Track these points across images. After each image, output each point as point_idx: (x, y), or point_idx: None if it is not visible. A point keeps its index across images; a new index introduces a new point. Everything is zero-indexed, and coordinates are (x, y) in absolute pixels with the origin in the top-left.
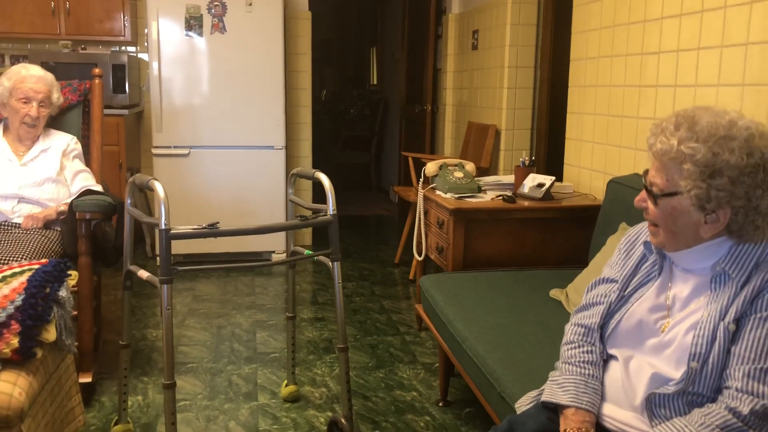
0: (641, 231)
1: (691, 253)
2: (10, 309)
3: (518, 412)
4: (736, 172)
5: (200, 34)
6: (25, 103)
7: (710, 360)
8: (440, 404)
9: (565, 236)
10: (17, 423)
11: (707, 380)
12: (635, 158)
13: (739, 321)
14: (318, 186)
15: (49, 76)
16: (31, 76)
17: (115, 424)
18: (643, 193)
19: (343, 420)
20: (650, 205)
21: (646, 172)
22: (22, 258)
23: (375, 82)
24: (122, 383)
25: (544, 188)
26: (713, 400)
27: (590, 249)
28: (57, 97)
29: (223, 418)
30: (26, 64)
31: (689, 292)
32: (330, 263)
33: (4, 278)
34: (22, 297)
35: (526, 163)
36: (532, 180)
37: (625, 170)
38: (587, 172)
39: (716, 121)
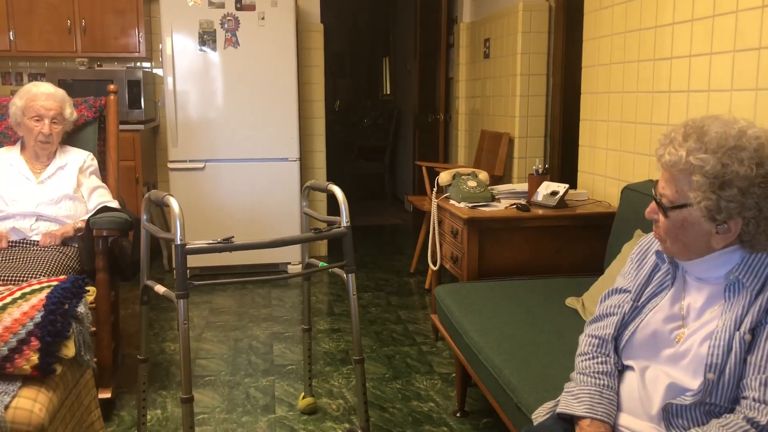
0: (653, 240)
1: (703, 262)
2: (30, 325)
3: (534, 423)
4: (746, 183)
5: (214, 48)
6: (37, 121)
7: (727, 370)
8: (457, 415)
9: (580, 244)
10: None
11: (724, 391)
12: (649, 164)
13: (755, 330)
14: (332, 197)
15: (60, 92)
16: (42, 93)
17: None
18: (653, 205)
19: None
20: (660, 217)
21: (656, 183)
22: (40, 275)
23: (388, 92)
24: (141, 397)
25: (558, 196)
26: (731, 411)
27: (606, 256)
28: (70, 112)
29: (241, 431)
30: (37, 81)
31: (703, 302)
32: (345, 275)
33: (24, 295)
34: (42, 313)
35: (540, 170)
36: (546, 188)
37: (640, 177)
38: (601, 179)
39: (725, 131)
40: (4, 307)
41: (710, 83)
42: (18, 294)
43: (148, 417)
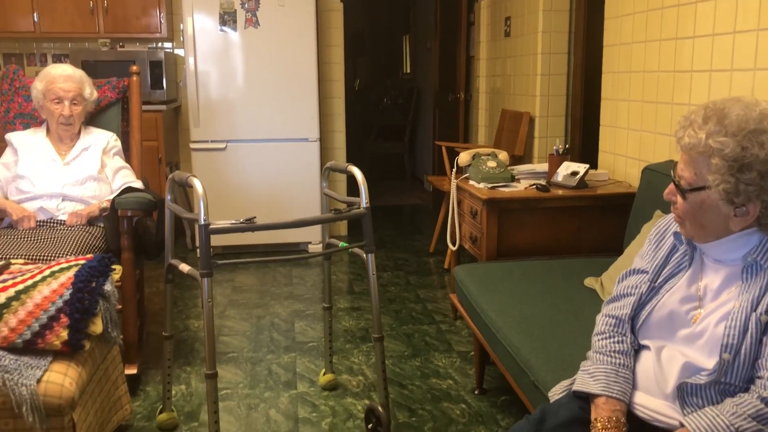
0: (671, 221)
1: (721, 244)
2: (59, 303)
3: (551, 401)
4: (766, 167)
5: (234, 29)
6: (57, 103)
7: (742, 351)
8: (476, 392)
9: (599, 224)
10: (69, 411)
11: (739, 371)
12: (670, 145)
13: None
14: (352, 177)
15: (78, 72)
16: (60, 75)
17: (160, 412)
18: (672, 187)
19: (380, 408)
20: (679, 198)
21: (675, 164)
22: (68, 254)
23: (408, 71)
24: (166, 373)
25: (578, 176)
26: (745, 390)
27: (625, 237)
28: (89, 92)
29: (263, 407)
30: (56, 63)
31: (720, 283)
32: (364, 255)
33: (53, 273)
34: (70, 291)
35: (560, 151)
36: (566, 168)
37: (660, 157)
38: (622, 159)
39: (746, 114)
40: (34, 285)
41: (733, 62)
42: (47, 272)
43: (173, 392)
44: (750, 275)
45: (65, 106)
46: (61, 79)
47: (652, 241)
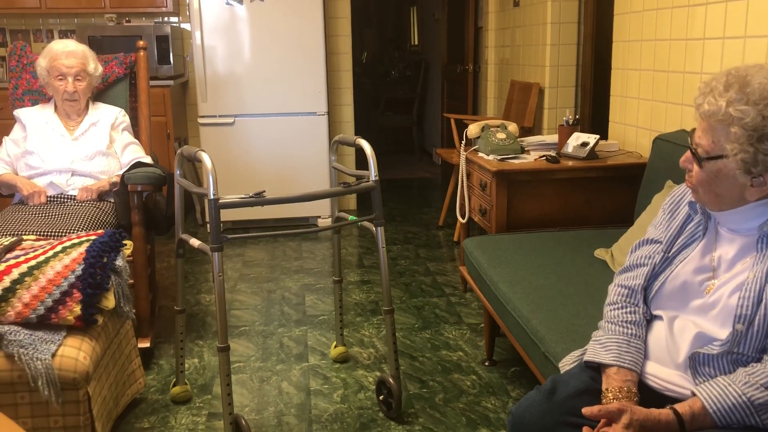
0: (686, 190)
1: (736, 213)
2: (72, 278)
3: (562, 372)
4: None
5: (240, 2)
6: (61, 80)
7: (756, 322)
8: (486, 364)
9: (609, 195)
10: (84, 385)
11: (752, 341)
12: (682, 114)
13: None
14: (361, 150)
15: (81, 47)
16: (62, 51)
17: (174, 385)
18: (688, 154)
19: (391, 379)
20: (695, 166)
21: (693, 131)
22: (79, 229)
23: (416, 43)
24: (179, 347)
25: (588, 147)
26: (758, 360)
27: (636, 208)
28: (94, 67)
29: (275, 379)
30: (59, 39)
31: (735, 253)
32: (374, 228)
33: (64, 249)
34: (82, 267)
35: (570, 121)
36: (576, 139)
37: (672, 126)
38: (633, 129)
39: None
40: (47, 261)
41: (747, 29)
42: (59, 248)
43: (186, 365)
44: (765, 245)
45: (69, 82)
46: (63, 55)
47: (666, 210)
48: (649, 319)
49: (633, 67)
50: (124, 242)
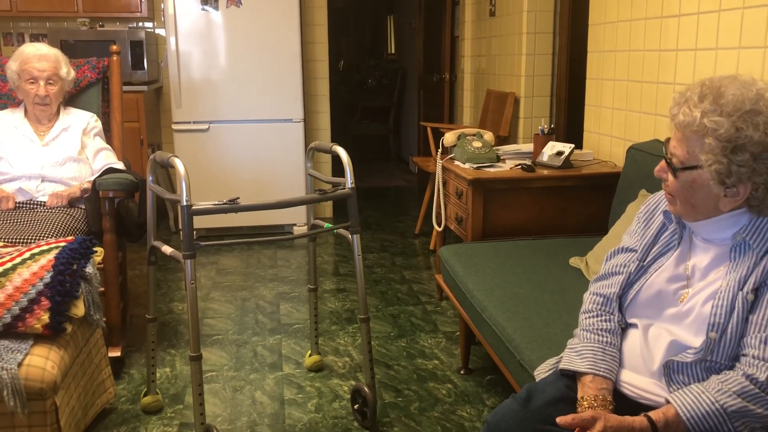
0: (660, 200)
1: (710, 223)
2: (40, 286)
3: (537, 380)
4: (759, 149)
5: (216, 8)
6: (32, 83)
7: (729, 330)
8: (462, 372)
9: (584, 204)
10: (51, 395)
11: (725, 349)
12: (655, 124)
13: (758, 290)
14: (337, 158)
15: (53, 51)
16: (34, 55)
17: (145, 395)
18: (663, 164)
19: (366, 388)
20: (669, 176)
21: (668, 141)
22: (48, 236)
23: (392, 52)
24: (150, 356)
25: (563, 156)
26: (731, 368)
27: (610, 216)
28: (66, 71)
29: (249, 388)
30: (30, 42)
31: (709, 262)
32: (350, 236)
33: (33, 256)
34: (51, 274)
35: (545, 131)
36: (552, 148)
37: (645, 136)
38: (607, 138)
39: (742, 94)
40: (14, 268)
41: (718, 41)
42: (27, 255)
43: (158, 375)
44: (738, 254)
45: (40, 86)
46: (35, 58)
47: (641, 219)
48: (624, 327)
49: (607, 77)
50: (95, 249)
